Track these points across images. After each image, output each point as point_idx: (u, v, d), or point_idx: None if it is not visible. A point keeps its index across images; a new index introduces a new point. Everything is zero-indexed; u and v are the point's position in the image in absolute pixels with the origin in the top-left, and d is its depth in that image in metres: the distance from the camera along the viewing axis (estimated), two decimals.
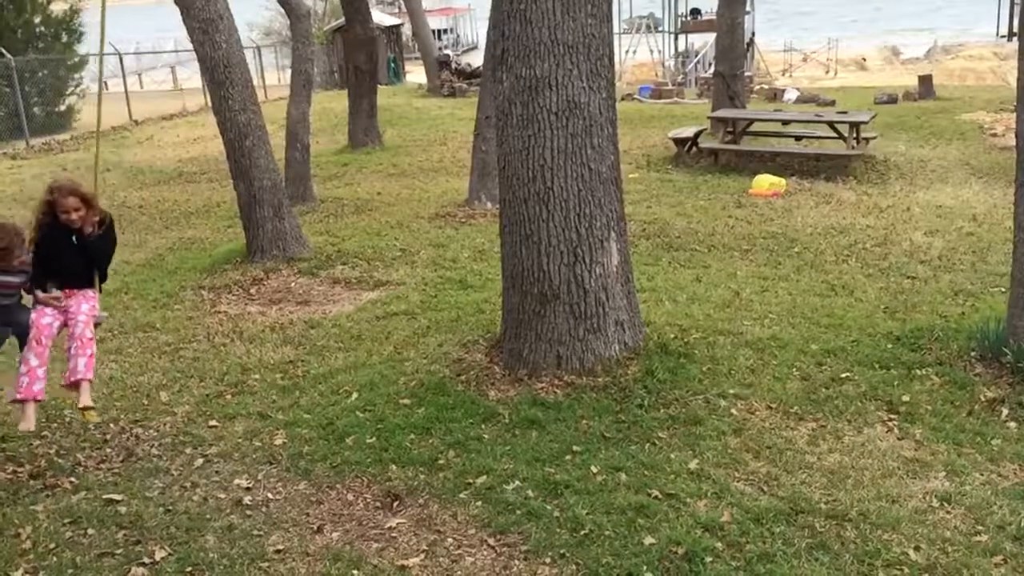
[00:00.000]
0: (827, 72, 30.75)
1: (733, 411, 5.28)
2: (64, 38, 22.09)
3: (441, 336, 6.70)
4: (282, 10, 14.37)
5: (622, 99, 21.22)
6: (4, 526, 4.45)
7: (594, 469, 4.68)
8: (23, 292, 5.15)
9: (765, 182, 11.53)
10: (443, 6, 45.40)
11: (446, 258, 8.93)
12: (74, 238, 5.03)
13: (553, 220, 5.67)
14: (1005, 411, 5.17)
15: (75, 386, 4.91)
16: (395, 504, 4.54)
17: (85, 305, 5.10)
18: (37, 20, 21.64)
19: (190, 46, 9.10)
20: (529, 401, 5.46)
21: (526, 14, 5.49)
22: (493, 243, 8.40)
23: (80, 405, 4.92)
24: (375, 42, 17.56)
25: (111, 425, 5.59)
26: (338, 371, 6.22)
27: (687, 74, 28.23)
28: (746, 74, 19.24)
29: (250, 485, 4.78)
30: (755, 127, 14.26)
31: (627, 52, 29.10)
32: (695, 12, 30.98)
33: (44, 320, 4.96)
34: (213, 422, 5.56)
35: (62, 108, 21.65)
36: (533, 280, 5.78)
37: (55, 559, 4.17)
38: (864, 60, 33.15)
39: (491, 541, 4.17)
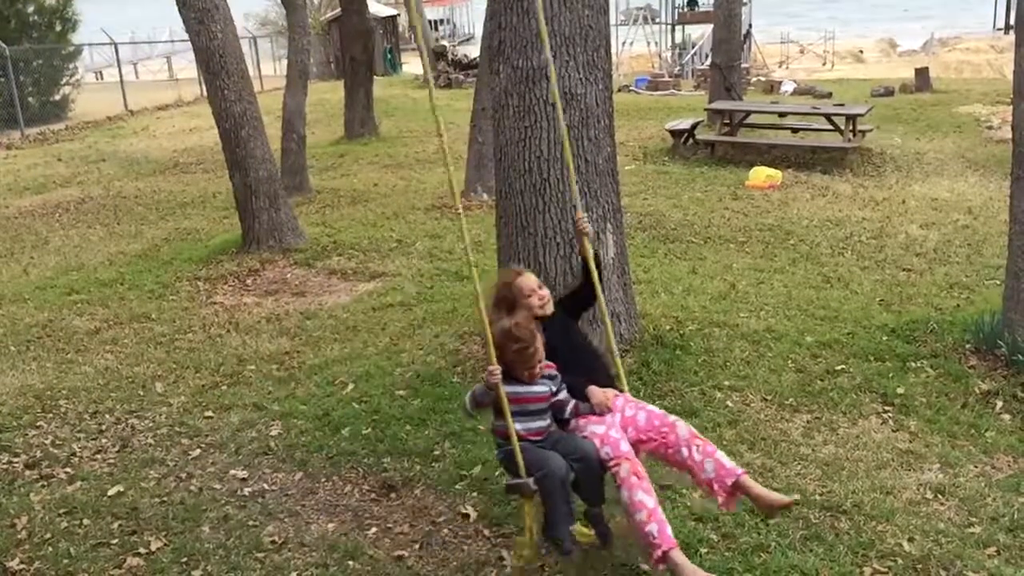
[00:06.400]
0: (824, 64, 30.70)
1: (728, 403, 5.30)
2: (58, 27, 21.97)
3: (437, 327, 6.70)
4: (278, 0, 14.31)
5: (619, 90, 21.18)
6: (0, 516, 4.45)
7: None
8: (562, 410, 3.79)
9: (761, 174, 11.53)
10: None
11: (442, 249, 8.92)
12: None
13: (549, 212, 5.67)
14: (999, 403, 5.19)
15: (731, 495, 3.71)
16: (391, 495, 4.54)
17: (642, 405, 3.96)
18: (31, 9, 21.53)
19: (186, 36, 9.06)
20: None
21: (523, 5, 5.48)
22: (489, 234, 8.38)
23: (778, 503, 3.68)
24: (371, 33, 17.51)
25: (106, 416, 5.59)
26: (334, 362, 6.22)
27: (684, 66, 28.18)
28: (743, 66, 19.21)
29: (246, 476, 4.79)
30: (752, 119, 14.26)
31: (624, 44, 29.02)
32: (692, 3, 30.94)
33: (624, 446, 3.71)
34: (209, 413, 5.56)
35: (57, 98, 21.57)
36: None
37: (51, 549, 4.18)
38: (861, 52, 33.08)
39: (486, 532, 4.18)
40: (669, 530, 3.58)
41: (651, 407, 3.94)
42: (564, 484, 3.54)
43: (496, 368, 3.58)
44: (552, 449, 3.62)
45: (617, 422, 3.80)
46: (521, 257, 5.79)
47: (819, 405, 5.28)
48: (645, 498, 3.59)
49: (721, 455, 3.73)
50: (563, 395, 3.77)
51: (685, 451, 3.74)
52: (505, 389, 3.58)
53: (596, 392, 3.85)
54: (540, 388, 3.69)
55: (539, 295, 4.05)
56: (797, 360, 5.88)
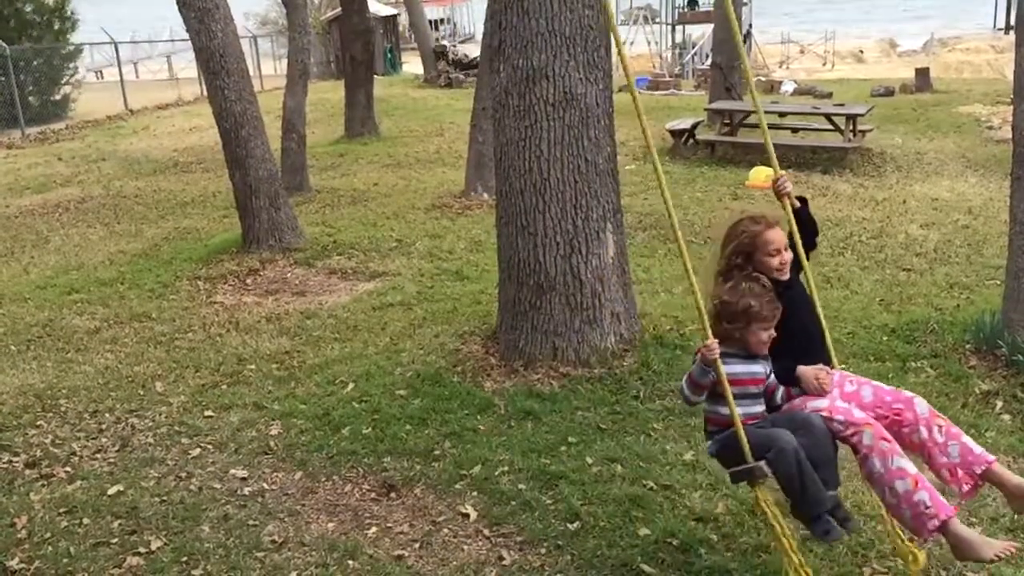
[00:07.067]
0: (824, 64, 30.73)
1: None
2: (57, 26, 21.96)
3: (437, 327, 6.70)
4: None
5: (619, 90, 21.14)
6: (0, 515, 4.45)
7: (589, 460, 4.69)
8: (773, 395, 3.47)
9: (761, 174, 11.51)
10: None
11: (442, 249, 8.92)
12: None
13: (549, 211, 5.67)
14: (999, 404, 5.19)
15: (976, 484, 3.34)
16: (391, 494, 4.54)
17: (864, 380, 3.57)
18: (29, 9, 21.51)
19: (186, 35, 9.07)
20: (525, 392, 5.47)
21: (523, 5, 5.48)
22: (489, 234, 8.39)
23: None
24: (372, 32, 17.51)
25: (106, 415, 5.59)
26: (334, 362, 6.22)
27: (684, 66, 28.19)
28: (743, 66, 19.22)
29: (246, 475, 4.78)
30: (752, 119, 14.24)
31: (624, 43, 29.05)
32: (692, 3, 30.95)
33: (858, 413, 3.32)
34: (209, 412, 5.56)
35: (57, 97, 21.56)
36: (529, 271, 5.78)
37: (50, 548, 4.18)
38: (861, 52, 33.11)
39: (486, 532, 4.18)
40: (942, 496, 3.16)
41: (876, 382, 3.55)
42: (800, 459, 3.17)
43: (714, 342, 3.25)
44: (788, 423, 3.28)
45: (837, 396, 3.40)
46: (521, 257, 5.80)
47: None
48: (905, 464, 3.18)
49: (968, 439, 3.33)
50: (772, 379, 3.46)
51: (925, 431, 3.32)
52: (724, 369, 3.27)
53: (807, 372, 3.41)
54: (759, 368, 3.39)
55: (783, 257, 3.53)
56: None
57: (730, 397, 3.28)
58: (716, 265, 3.61)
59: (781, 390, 3.48)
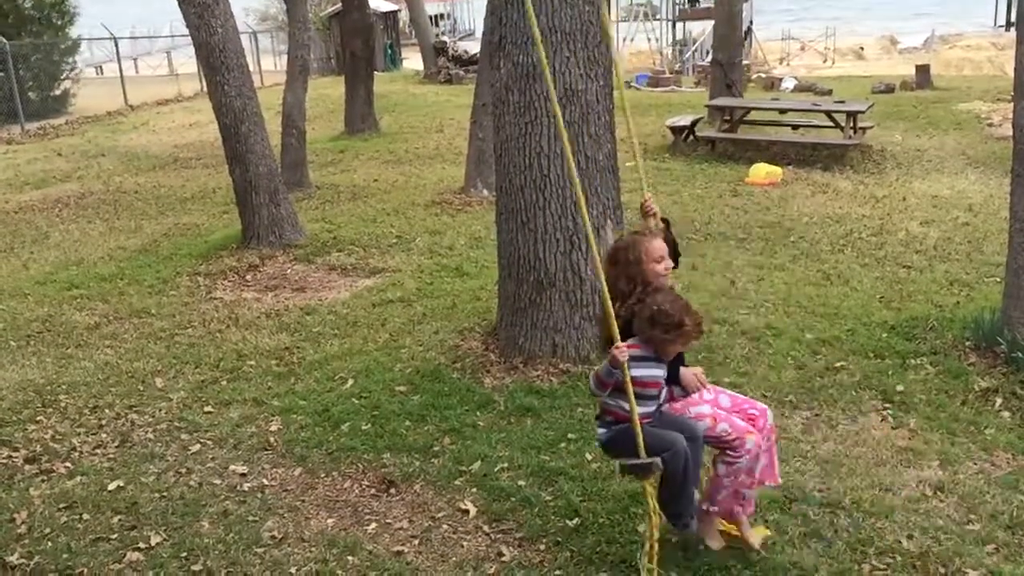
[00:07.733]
0: (825, 61, 30.69)
1: None
2: (55, 20, 21.93)
3: (437, 323, 6.70)
4: None
5: (628, 84, 21.08)
6: (0, 511, 4.46)
7: (589, 457, 4.69)
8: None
9: (762, 171, 11.51)
10: None
11: (442, 245, 8.92)
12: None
13: (550, 208, 5.67)
14: (999, 401, 5.19)
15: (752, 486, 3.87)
16: (390, 490, 4.55)
17: (720, 389, 3.97)
18: (28, 5, 21.49)
19: (186, 31, 9.06)
20: (524, 388, 5.47)
21: (524, 1, 5.47)
22: (489, 230, 8.39)
23: (746, 540, 3.88)
24: (372, 28, 17.49)
25: (106, 411, 5.59)
26: (334, 358, 6.22)
27: (684, 62, 28.15)
28: (743, 62, 19.18)
29: (245, 471, 4.79)
30: (752, 116, 14.25)
31: (624, 40, 29.01)
32: (693, 0, 30.91)
33: (740, 421, 3.75)
34: (208, 408, 5.56)
35: (57, 92, 21.54)
36: (529, 268, 5.78)
37: (50, 544, 4.18)
38: (862, 49, 33.03)
39: (486, 528, 4.18)
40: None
41: (729, 391, 3.99)
42: (688, 462, 3.54)
43: (623, 345, 3.43)
44: (675, 425, 3.63)
45: (699, 399, 3.79)
46: (521, 253, 5.80)
47: (819, 402, 5.28)
48: (761, 473, 3.77)
49: (776, 459, 3.90)
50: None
51: (763, 440, 3.80)
52: (633, 372, 3.46)
53: (688, 373, 3.80)
54: (662, 373, 3.62)
55: (666, 263, 3.81)
56: (797, 357, 5.88)
57: (632, 397, 3.48)
58: (607, 278, 3.76)
59: (665, 390, 3.73)
